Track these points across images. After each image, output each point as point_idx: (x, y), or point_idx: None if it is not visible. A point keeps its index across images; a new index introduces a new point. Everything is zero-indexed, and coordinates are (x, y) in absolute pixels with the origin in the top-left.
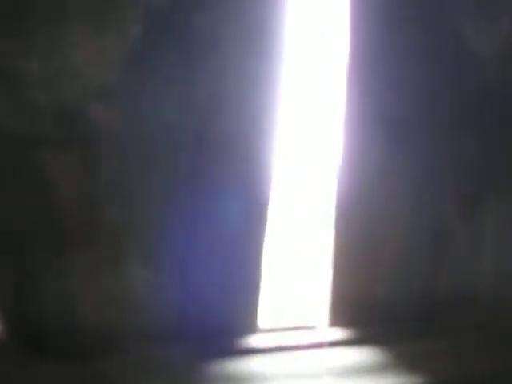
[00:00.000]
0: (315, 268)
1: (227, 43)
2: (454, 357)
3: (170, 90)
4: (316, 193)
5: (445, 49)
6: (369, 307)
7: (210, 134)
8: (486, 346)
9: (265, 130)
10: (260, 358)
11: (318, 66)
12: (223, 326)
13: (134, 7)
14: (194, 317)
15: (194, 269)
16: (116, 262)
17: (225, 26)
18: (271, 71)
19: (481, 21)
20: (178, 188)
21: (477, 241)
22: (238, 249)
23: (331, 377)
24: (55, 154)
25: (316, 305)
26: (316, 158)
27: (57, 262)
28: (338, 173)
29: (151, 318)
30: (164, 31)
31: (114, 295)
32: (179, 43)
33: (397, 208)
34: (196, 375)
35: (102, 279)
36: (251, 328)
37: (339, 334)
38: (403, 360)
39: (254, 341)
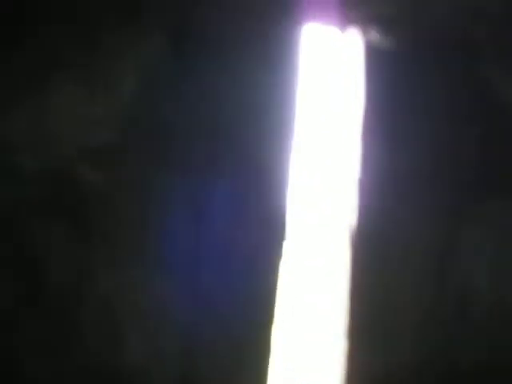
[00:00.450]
0: (331, 341)
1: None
2: None
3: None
4: (330, 259)
5: (473, 102)
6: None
7: None
8: None
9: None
10: None
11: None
12: None
13: (130, 71)
14: None
15: None
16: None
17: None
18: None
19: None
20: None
21: None
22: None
23: None
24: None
25: (332, 378)
26: (330, 218)
27: None
28: (353, 240)
29: None
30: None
31: None
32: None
33: (416, 277)
34: None
35: None
36: None
37: None
38: None
39: None
